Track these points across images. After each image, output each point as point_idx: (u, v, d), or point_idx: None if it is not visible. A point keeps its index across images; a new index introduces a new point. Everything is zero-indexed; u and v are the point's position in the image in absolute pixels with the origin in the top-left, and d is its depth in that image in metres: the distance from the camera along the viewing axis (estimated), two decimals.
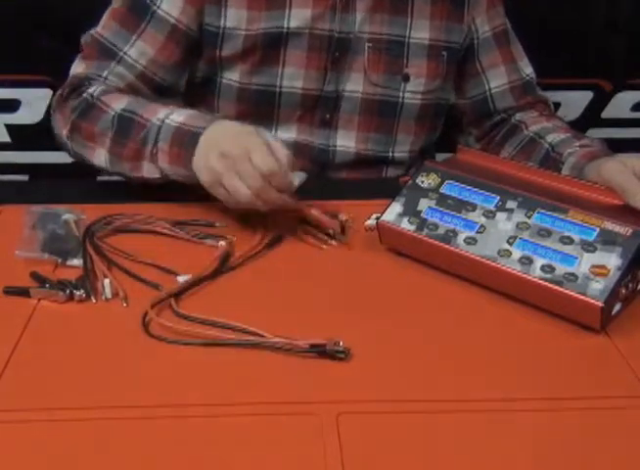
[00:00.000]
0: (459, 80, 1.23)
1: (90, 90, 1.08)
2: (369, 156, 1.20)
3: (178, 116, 1.00)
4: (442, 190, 0.93)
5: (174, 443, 0.66)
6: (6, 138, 1.81)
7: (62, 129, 1.09)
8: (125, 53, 1.11)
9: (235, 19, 1.11)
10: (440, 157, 1.09)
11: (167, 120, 0.99)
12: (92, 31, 1.13)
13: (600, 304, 0.78)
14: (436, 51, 1.17)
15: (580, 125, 1.85)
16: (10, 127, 1.80)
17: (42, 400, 0.71)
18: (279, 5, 1.11)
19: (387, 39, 1.14)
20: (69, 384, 0.73)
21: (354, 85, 1.16)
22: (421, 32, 1.15)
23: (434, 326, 0.82)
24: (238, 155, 0.91)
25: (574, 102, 1.82)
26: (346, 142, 1.18)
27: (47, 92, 1.69)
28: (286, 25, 1.11)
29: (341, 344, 0.75)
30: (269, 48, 1.12)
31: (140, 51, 1.11)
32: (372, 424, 0.68)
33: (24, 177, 1.78)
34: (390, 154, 1.21)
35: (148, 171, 1.01)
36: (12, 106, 1.77)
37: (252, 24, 1.11)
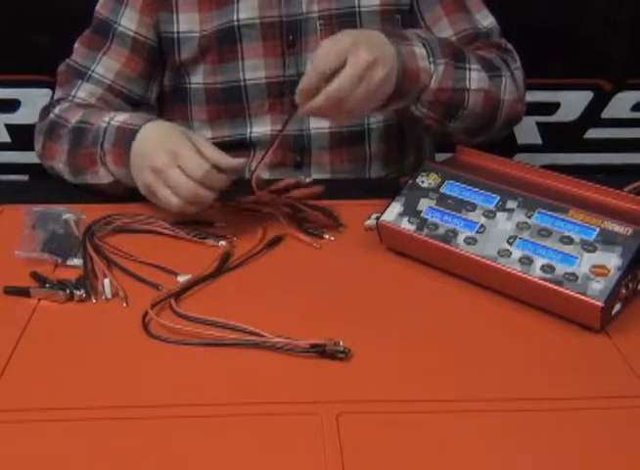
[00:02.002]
0: None
1: (55, 110, 1.12)
2: (344, 132, 1.19)
3: (121, 116, 1.03)
4: (442, 190, 0.93)
5: (174, 442, 0.66)
6: (6, 138, 1.81)
7: (38, 154, 1.14)
8: (93, 71, 1.15)
9: (187, 22, 1.13)
10: (440, 157, 1.09)
11: (112, 122, 1.02)
12: (67, 60, 1.17)
13: (600, 304, 0.78)
14: (390, 15, 1.15)
15: (580, 125, 1.86)
16: (10, 127, 1.81)
17: (42, 400, 0.71)
18: (227, 1, 1.12)
19: (336, 14, 1.14)
20: (69, 384, 0.73)
21: None
22: None
23: (434, 326, 0.82)
24: (165, 164, 0.92)
25: (574, 102, 1.83)
26: (319, 123, 1.18)
27: (47, 92, 1.69)
28: (236, 18, 1.12)
29: (341, 344, 0.75)
30: (225, 44, 1.13)
31: (106, 67, 1.15)
32: (372, 424, 0.68)
33: (24, 177, 1.79)
34: (366, 126, 1.20)
35: (103, 177, 1.04)
36: (12, 106, 1.77)
37: (206, 25, 1.13)
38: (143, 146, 0.97)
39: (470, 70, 1.04)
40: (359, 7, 1.14)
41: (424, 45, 1.00)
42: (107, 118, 1.03)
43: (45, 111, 1.15)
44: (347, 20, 1.14)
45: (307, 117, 1.06)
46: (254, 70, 1.15)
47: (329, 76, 0.90)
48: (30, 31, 1.67)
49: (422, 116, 1.03)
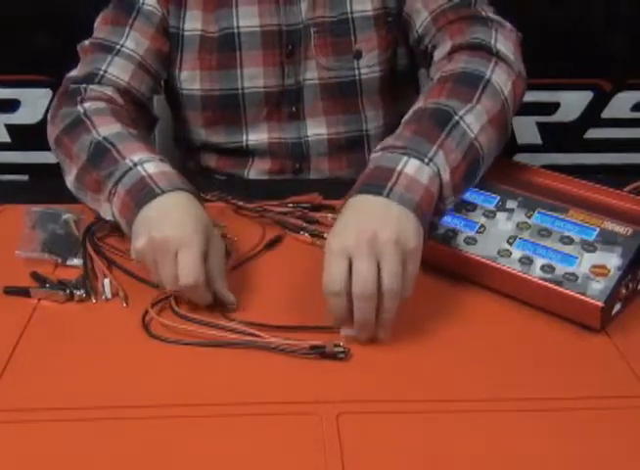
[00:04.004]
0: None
1: (86, 104, 1.02)
2: (342, 139, 1.19)
3: (152, 167, 0.89)
4: None
5: (174, 442, 0.66)
6: (6, 138, 1.81)
7: (50, 137, 1.05)
8: (122, 45, 1.09)
9: (192, 20, 1.13)
10: None
11: (139, 167, 0.89)
12: (88, 40, 1.12)
13: (600, 304, 0.78)
14: (383, 20, 1.15)
15: (580, 125, 1.86)
16: (10, 127, 1.81)
17: (42, 400, 0.71)
18: (226, 3, 1.12)
19: (329, 21, 1.13)
20: (69, 384, 0.73)
21: (311, 73, 1.15)
22: (363, 4, 1.13)
23: (434, 326, 0.82)
24: (162, 250, 0.80)
25: (574, 102, 1.83)
26: (317, 130, 1.18)
27: (47, 92, 1.70)
28: (235, 24, 1.12)
29: (341, 344, 0.75)
30: (224, 51, 1.13)
31: (135, 41, 1.10)
32: (372, 424, 0.68)
33: (24, 177, 1.79)
34: (365, 132, 1.20)
35: (103, 210, 0.93)
36: (12, 106, 1.77)
37: (207, 26, 1.12)
38: (153, 214, 0.84)
39: (461, 119, 0.87)
40: (352, 13, 1.13)
41: (408, 154, 0.83)
42: (136, 159, 0.90)
43: (71, 91, 1.05)
44: (340, 27, 1.13)
45: (365, 341, 0.79)
46: (253, 78, 1.14)
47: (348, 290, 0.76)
48: (30, 31, 1.67)
49: (455, 200, 0.87)
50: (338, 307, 0.76)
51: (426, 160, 0.82)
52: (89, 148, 0.95)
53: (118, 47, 1.09)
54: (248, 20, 1.12)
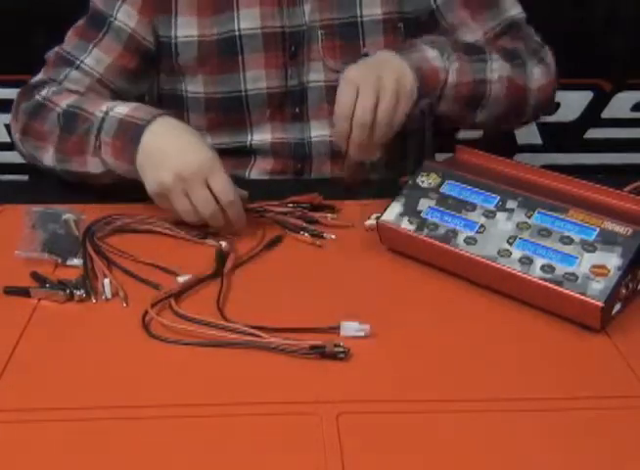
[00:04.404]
0: None
1: (42, 92, 1.09)
2: None
3: (122, 108, 0.99)
4: (442, 190, 0.93)
5: (174, 442, 0.66)
6: (6, 138, 1.81)
7: (15, 132, 1.11)
8: (82, 61, 1.12)
9: (186, 26, 1.12)
10: (440, 157, 1.09)
11: (111, 112, 0.98)
12: (56, 48, 1.15)
13: (600, 304, 0.78)
14: (392, 24, 1.15)
15: (580, 125, 1.86)
16: (10, 127, 1.80)
17: (42, 400, 0.71)
18: (227, 7, 1.11)
19: (338, 23, 1.13)
20: (70, 384, 0.73)
21: (316, 75, 1.15)
22: (372, 9, 1.14)
23: (434, 326, 0.82)
24: (193, 176, 0.90)
25: (574, 102, 1.83)
26: (321, 132, 1.18)
27: None
28: (237, 27, 1.12)
29: (341, 344, 0.75)
30: (226, 54, 1.13)
31: (96, 59, 1.12)
32: (372, 424, 0.68)
33: (24, 177, 1.78)
34: None
35: (93, 166, 1.00)
36: (12, 106, 1.77)
37: (204, 30, 1.12)
38: (160, 143, 0.94)
39: (488, 61, 1.07)
40: (361, 17, 1.13)
41: (432, 47, 1.04)
42: (104, 108, 1.00)
43: (29, 90, 1.12)
44: (349, 30, 1.13)
45: (358, 159, 1.02)
46: (256, 81, 1.14)
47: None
48: (30, 31, 1.67)
49: (447, 110, 1.06)
50: (341, 130, 0.96)
51: (445, 55, 1.04)
52: (58, 120, 1.03)
53: (78, 62, 1.12)
54: (249, 22, 1.12)
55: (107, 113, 0.99)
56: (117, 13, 1.12)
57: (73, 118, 1.02)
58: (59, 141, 1.03)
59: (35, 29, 1.67)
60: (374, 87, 0.95)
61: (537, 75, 1.11)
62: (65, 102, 1.05)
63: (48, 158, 1.05)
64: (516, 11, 1.18)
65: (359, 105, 0.95)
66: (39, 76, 1.15)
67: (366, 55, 1.13)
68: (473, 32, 1.16)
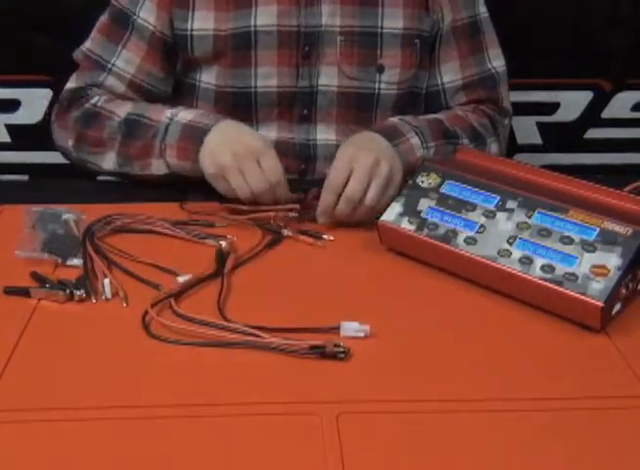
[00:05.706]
0: None
1: (92, 100, 1.14)
2: None
3: (186, 114, 1.07)
4: (442, 190, 0.93)
5: (174, 442, 0.66)
6: (6, 138, 1.81)
7: (67, 140, 1.14)
8: (114, 64, 1.15)
9: (202, 20, 1.13)
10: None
11: (176, 118, 1.07)
12: (82, 47, 1.18)
13: (600, 304, 0.78)
14: (410, 40, 1.16)
15: (580, 125, 1.86)
16: (10, 127, 1.80)
17: (42, 400, 0.71)
18: (245, 4, 1.12)
19: (359, 31, 1.14)
20: (70, 384, 0.73)
21: (328, 79, 1.16)
22: (393, 21, 1.14)
23: (434, 326, 0.82)
24: (247, 155, 0.98)
25: (574, 102, 1.82)
26: (327, 135, 1.19)
27: (47, 92, 1.69)
28: (253, 23, 1.12)
29: (341, 344, 0.75)
30: (240, 49, 1.13)
31: (126, 60, 1.15)
32: (372, 424, 0.68)
33: (24, 177, 1.78)
34: None
35: (156, 168, 1.08)
36: (12, 106, 1.77)
37: (221, 25, 1.13)
38: (222, 136, 1.02)
39: (459, 144, 1.12)
40: (382, 28, 1.14)
41: (416, 134, 1.10)
42: (169, 114, 1.08)
43: (75, 98, 1.15)
44: (368, 39, 1.14)
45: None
46: (267, 78, 1.15)
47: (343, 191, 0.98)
48: (30, 31, 1.67)
49: None
50: (328, 202, 0.99)
51: (424, 144, 1.11)
52: (119, 127, 1.10)
53: (109, 66, 1.15)
54: (265, 19, 1.12)
55: (171, 119, 1.07)
56: (140, 10, 1.14)
57: (136, 125, 1.09)
58: (121, 147, 1.10)
59: (35, 30, 1.67)
60: (368, 172, 0.98)
61: (494, 149, 1.20)
62: (122, 110, 1.11)
63: (108, 162, 1.12)
64: (498, 63, 1.22)
65: (350, 184, 0.98)
66: (77, 83, 1.18)
67: (382, 68, 1.16)
68: (454, 73, 1.20)
